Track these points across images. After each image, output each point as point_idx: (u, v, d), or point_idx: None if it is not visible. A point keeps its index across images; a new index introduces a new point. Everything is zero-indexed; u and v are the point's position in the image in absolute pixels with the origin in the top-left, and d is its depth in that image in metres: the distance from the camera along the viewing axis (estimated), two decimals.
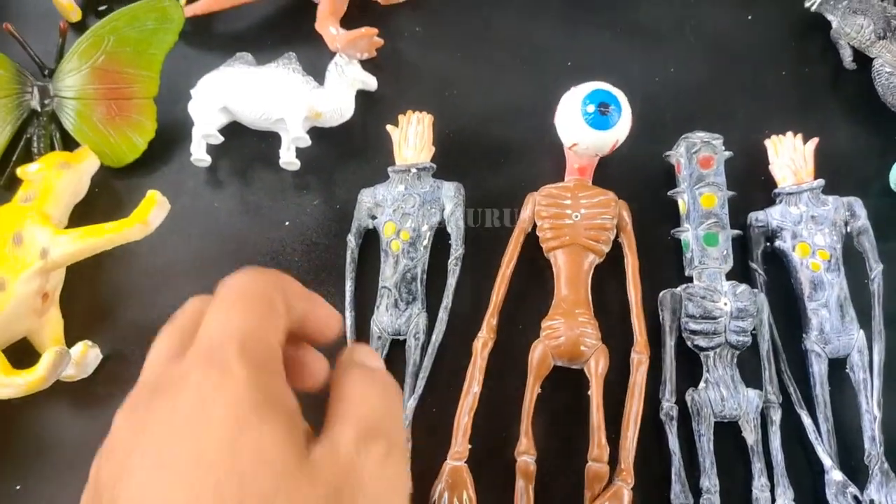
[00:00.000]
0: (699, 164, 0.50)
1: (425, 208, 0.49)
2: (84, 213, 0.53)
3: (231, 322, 0.25)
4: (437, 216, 0.50)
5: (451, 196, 0.50)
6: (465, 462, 0.45)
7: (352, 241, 0.51)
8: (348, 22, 0.57)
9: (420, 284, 0.49)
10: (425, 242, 0.49)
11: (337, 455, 0.25)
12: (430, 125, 0.52)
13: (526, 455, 0.45)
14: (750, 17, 0.60)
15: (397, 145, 0.52)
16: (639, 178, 0.54)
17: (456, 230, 0.50)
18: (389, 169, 0.51)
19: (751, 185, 0.53)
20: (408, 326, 0.48)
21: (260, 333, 0.25)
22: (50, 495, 0.47)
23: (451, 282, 0.49)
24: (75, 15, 0.59)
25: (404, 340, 0.49)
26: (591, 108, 0.48)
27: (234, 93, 0.53)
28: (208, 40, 0.60)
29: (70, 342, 0.49)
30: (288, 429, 0.23)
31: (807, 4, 0.57)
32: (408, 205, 0.49)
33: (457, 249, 0.49)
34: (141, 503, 0.21)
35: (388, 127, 0.53)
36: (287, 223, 0.54)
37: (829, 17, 0.57)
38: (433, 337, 0.48)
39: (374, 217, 0.51)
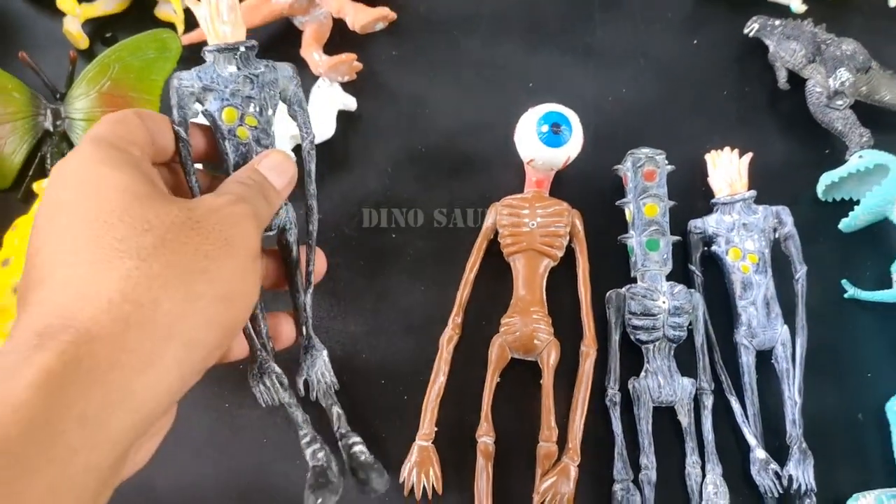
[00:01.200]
0: (643, 176, 0.56)
1: (265, 91, 0.44)
2: None
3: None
4: (276, 99, 0.45)
5: (289, 76, 0.45)
6: (432, 443, 0.51)
7: (181, 131, 0.42)
8: (330, 48, 0.63)
9: None
10: (273, 128, 0.45)
11: (214, 213, 0.33)
12: None
13: (486, 437, 0.51)
14: (695, 42, 0.65)
15: (208, 21, 0.44)
16: (592, 189, 0.59)
17: (302, 112, 0.46)
18: (209, 49, 0.43)
19: (692, 195, 0.59)
20: (279, 219, 0.44)
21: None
22: None
23: (312, 167, 0.46)
24: (84, 43, 0.64)
25: (272, 236, 0.46)
26: (545, 128, 0.53)
27: None
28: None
29: None
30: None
31: (746, 31, 0.63)
32: (246, 87, 0.43)
33: (308, 133, 0.46)
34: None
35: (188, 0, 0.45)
36: (272, 232, 0.59)
37: (767, 41, 0.62)
38: (310, 227, 0.46)
39: (199, 103, 0.43)
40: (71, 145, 0.60)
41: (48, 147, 0.60)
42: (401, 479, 0.51)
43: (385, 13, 0.61)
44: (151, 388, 0.28)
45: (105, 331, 0.27)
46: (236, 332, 0.34)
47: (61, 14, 0.63)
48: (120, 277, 0.28)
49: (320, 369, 0.46)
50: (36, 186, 0.56)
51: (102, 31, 0.66)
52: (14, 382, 0.25)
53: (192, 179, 0.42)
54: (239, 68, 0.43)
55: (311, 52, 0.62)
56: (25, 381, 0.25)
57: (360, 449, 0.43)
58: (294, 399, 0.43)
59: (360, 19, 0.60)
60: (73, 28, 0.63)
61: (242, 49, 0.43)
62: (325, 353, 0.46)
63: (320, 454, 0.41)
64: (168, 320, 0.28)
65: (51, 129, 0.60)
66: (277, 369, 0.43)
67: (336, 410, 0.45)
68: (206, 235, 0.31)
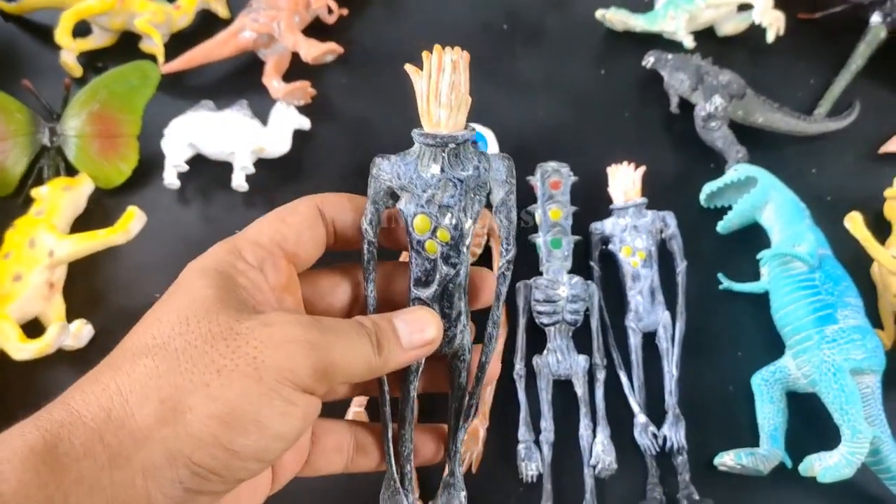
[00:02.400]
0: (550, 186, 0.65)
1: (468, 197, 0.37)
2: (82, 224, 0.67)
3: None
4: (482, 204, 0.37)
5: (502, 180, 0.37)
6: (364, 408, 0.59)
7: (369, 231, 0.37)
8: (289, 76, 0.73)
9: (464, 296, 0.38)
10: (468, 241, 0.37)
11: (255, 332, 0.29)
12: (466, 67, 0.37)
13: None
14: (603, 72, 0.76)
15: (423, 100, 0.37)
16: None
17: (507, 224, 0.38)
18: (417, 135, 0.37)
19: (596, 202, 0.68)
20: (451, 347, 0.38)
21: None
22: None
23: (502, 290, 0.38)
24: (78, 72, 0.74)
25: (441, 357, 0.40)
26: None
27: (198, 132, 0.68)
28: (180, 90, 0.75)
29: (69, 321, 0.63)
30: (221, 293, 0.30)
31: (643, 63, 0.73)
32: (446, 194, 0.36)
33: (508, 251, 0.38)
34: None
35: (410, 69, 0.38)
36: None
37: (661, 72, 0.72)
38: (482, 358, 0.39)
39: (395, 197, 0.38)
40: (65, 159, 0.70)
41: (45, 160, 0.70)
42: None
43: (333, 47, 0.71)
44: (122, 489, 0.26)
45: (89, 414, 0.27)
46: (247, 459, 0.29)
47: (59, 47, 0.73)
48: (128, 371, 0.28)
49: None
50: (34, 193, 0.66)
51: (95, 61, 0.76)
52: (4, 454, 0.25)
53: (368, 287, 0.38)
54: (443, 170, 0.36)
55: (272, 80, 0.72)
56: (13, 454, 0.25)
57: None
58: None
59: (312, 52, 0.70)
60: (69, 59, 0.74)
61: (452, 146, 0.36)
62: (463, 494, 0.40)
63: None
64: (148, 422, 0.27)
65: (48, 144, 0.70)
66: (404, 502, 0.39)
67: None
68: (233, 350, 0.29)
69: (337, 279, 0.39)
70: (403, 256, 0.51)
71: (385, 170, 0.37)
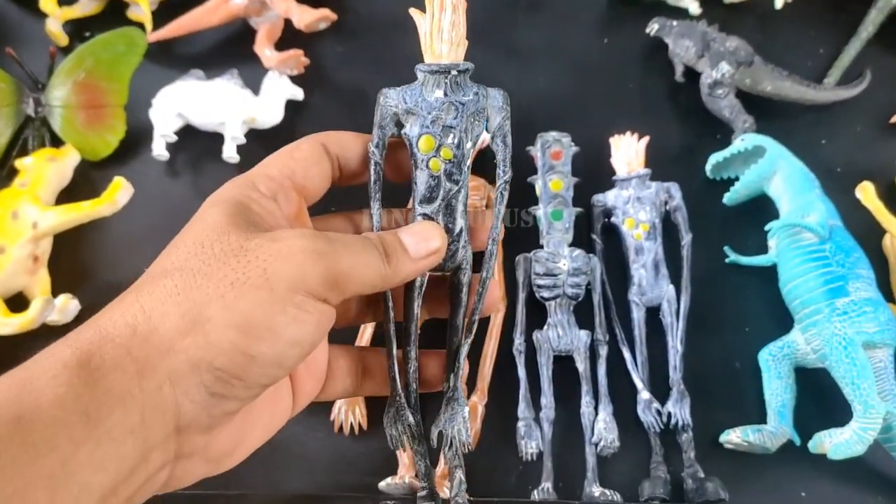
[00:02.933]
0: (551, 156, 0.64)
1: (468, 120, 0.39)
2: (68, 197, 0.65)
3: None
4: (481, 129, 0.40)
5: (498, 106, 0.40)
6: None
7: (375, 153, 0.40)
8: (282, 44, 0.71)
9: (464, 212, 0.40)
10: (469, 162, 0.40)
11: (264, 246, 0.31)
12: (464, 11, 0.41)
13: None
14: (606, 41, 0.74)
15: (427, 36, 0.41)
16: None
17: (504, 148, 0.40)
18: (420, 68, 0.41)
19: (598, 174, 0.66)
20: (453, 262, 0.40)
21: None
22: None
23: (501, 209, 0.40)
24: (64, 40, 0.72)
25: (442, 275, 0.41)
26: None
27: (187, 101, 0.66)
28: (168, 59, 0.73)
29: (55, 295, 0.61)
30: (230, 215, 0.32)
31: (647, 30, 0.71)
32: (449, 115, 0.39)
33: (505, 172, 0.40)
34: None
35: (413, 12, 0.42)
36: None
37: (666, 39, 0.70)
38: (483, 274, 0.40)
39: (400, 125, 0.40)
40: (50, 129, 0.68)
41: (30, 130, 0.68)
42: (331, 418, 0.58)
43: (326, 13, 0.69)
44: (151, 396, 0.28)
45: (116, 332, 0.28)
46: (265, 365, 0.30)
47: (44, 15, 0.71)
48: (150, 290, 0.30)
49: (458, 426, 0.40)
50: (18, 164, 0.64)
51: (81, 30, 0.74)
52: (39, 371, 0.27)
53: (374, 206, 0.40)
54: (446, 94, 0.40)
55: (264, 49, 0.70)
56: (48, 370, 0.27)
57: None
58: (423, 448, 0.41)
59: (305, 18, 0.68)
60: (55, 27, 0.72)
61: (454, 73, 0.40)
62: (466, 409, 0.40)
63: None
64: (171, 335, 0.29)
65: (33, 115, 0.68)
66: (411, 420, 0.40)
67: (459, 475, 0.41)
68: (244, 264, 0.30)
69: (345, 222, 0.42)
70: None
71: (391, 97, 0.41)
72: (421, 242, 0.37)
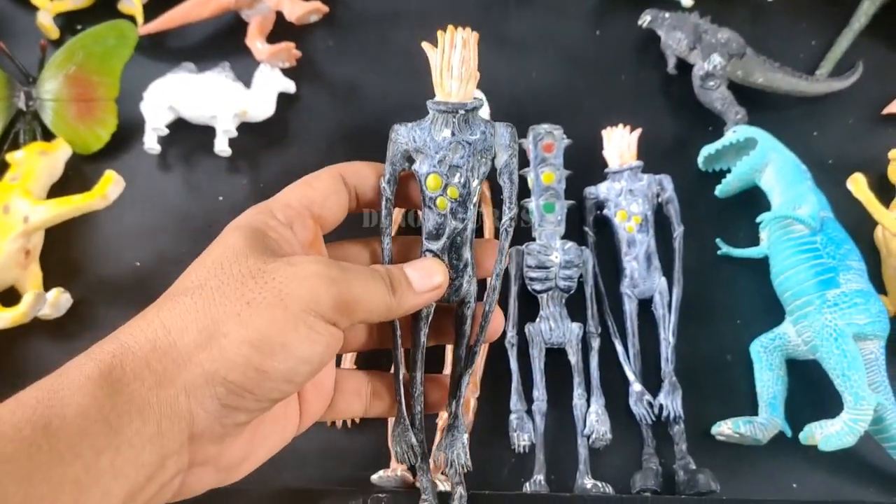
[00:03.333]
0: (543, 148, 0.63)
1: (475, 159, 0.40)
2: (60, 192, 0.64)
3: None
4: (488, 166, 0.41)
5: (505, 144, 0.41)
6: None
7: (387, 189, 0.41)
8: (273, 37, 0.71)
9: (470, 249, 0.42)
10: (475, 200, 0.41)
11: (281, 269, 0.33)
12: (475, 45, 0.42)
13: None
14: (598, 33, 0.73)
15: (437, 73, 0.41)
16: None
17: (510, 185, 0.41)
18: (431, 104, 0.41)
19: (590, 165, 0.66)
20: (458, 295, 0.42)
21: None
22: None
23: (505, 245, 0.41)
24: (55, 34, 0.72)
25: (448, 306, 0.43)
26: None
27: (179, 95, 0.66)
28: (160, 52, 0.73)
29: (46, 290, 0.61)
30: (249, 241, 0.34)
31: (640, 22, 0.71)
32: (456, 155, 0.40)
33: (511, 209, 0.41)
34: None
35: (425, 46, 0.42)
36: (221, 198, 0.67)
37: (658, 31, 0.70)
38: (486, 307, 0.42)
39: (411, 160, 0.42)
40: (41, 123, 0.68)
41: (21, 124, 0.68)
42: None
43: (317, 6, 0.69)
44: (167, 406, 0.30)
45: (136, 345, 0.30)
46: (277, 380, 0.32)
47: (35, 8, 0.71)
48: (170, 307, 0.32)
49: (457, 451, 0.42)
50: (9, 158, 0.64)
51: (72, 23, 0.74)
52: (65, 381, 0.29)
53: (385, 241, 0.42)
54: (454, 133, 0.40)
55: (255, 41, 0.70)
56: (72, 382, 0.29)
57: None
58: (426, 465, 0.43)
59: (296, 11, 0.68)
60: (46, 21, 0.71)
61: (462, 112, 0.41)
62: (465, 436, 0.43)
63: None
64: (189, 349, 0.30)
65: (24, 108, 0.68)
66: (414, 441, 0.42)
67: (460, 491, 0.43)
68: (261, 285, 0.32)
69: (360, 249, 0.44)
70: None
71: (402, 134, 0.41)
72: (425, 278, 0.39)
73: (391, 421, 0.44)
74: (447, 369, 0.57)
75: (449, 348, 0.59)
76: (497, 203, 0.45)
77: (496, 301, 0.42)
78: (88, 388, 0.29)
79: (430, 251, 0.41)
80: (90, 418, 0.28)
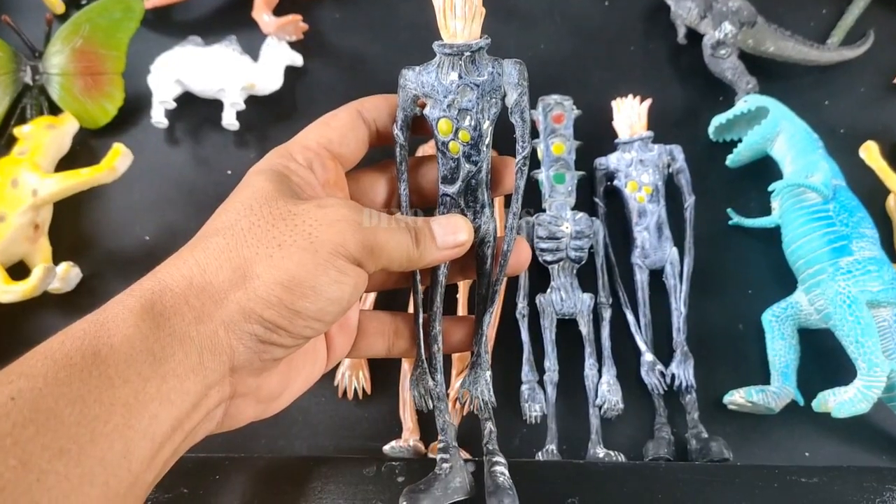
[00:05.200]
0: (552, 119, 0.63)
1: (485, 100, 0.40)
2: (67, 165, 0.65)
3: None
4: (498, 106, 0.40)
5: (514, 82, 0.39)
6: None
7: (399, 135, 0.41)
8: (280, 10, 0.70)
9: (486, 189, 0.41)
10: (487, 141, 0.40)
11: (311, 213, 0.34)
12: None
13: None
14: (607, 3, 0.73)
15: (441, 13, 0.40)
16: (510, 131, 0.66)
17: (522, 124, 0.40)
18: (436, 46, 0.40)
19: (600, 136, 0.65)
20: (477, 236, 0.41)
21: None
22: None
23: (520, 184, 0.40)
24: (60, 8, 0.71)
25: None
26: None
27: (185, 68, 0.66)
28: (166, 26, 0.73)
29: (56, 264, 0.61)
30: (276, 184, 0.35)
31: None
32: (464, 97, 0.39)
33: (524, 147, 0.40)
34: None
35: None
36: (229, 172, 0.67)
37: (668, 1, 0.69)
38: (504, 246, 0.41)
39: (420, 105, 0.41)
40: (48, 97, 0.67)
41: (28, 99, 0.67)
42: (335, 383, 0.58)
43: None
44: (208, 339, 0.31)
45: (174, 283, 0.31)
46: (308, 318, 0.33)
47: None
48: (204, 247, 0.33)
49: (481, 387, 0.42)
50: (17, 132, 0.63)
51: None
52: (110, 315, 0.30)
53: (402, 186, 0.42)
54: (461, 76, 0.40)
55: (262, 15, 0.69)
56: (116, 315, 0.30)
57: (500, 470, 0.41)
58: (444, 405, 0.42)
59: None
60: None
61: (468, 54, 0.39)
62: (488, 373, 0.42)
63: (445, 465, 0.41)
64: (224, 287, 0.32)
65: (30, 83, 0.67)
66: (431, 384, 0.42)
67: (490, 427, 0.43)
68: (291, 228, 0.33)
69: (376, 176, 0.43)
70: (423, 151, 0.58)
71: (410, 79, 0.41)
72: (448, 234, 0.39)
73: (402, 387, 0.44)
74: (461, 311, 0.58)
75: (462, 293, 0.60)
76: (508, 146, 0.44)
77: (513, 240, 0.41)
78: (132, 321, 0.30)
79: (447, 195, 0.41)
80: (136, 348, 0.29)
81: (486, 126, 0.40)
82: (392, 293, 0.46)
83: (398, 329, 0.44)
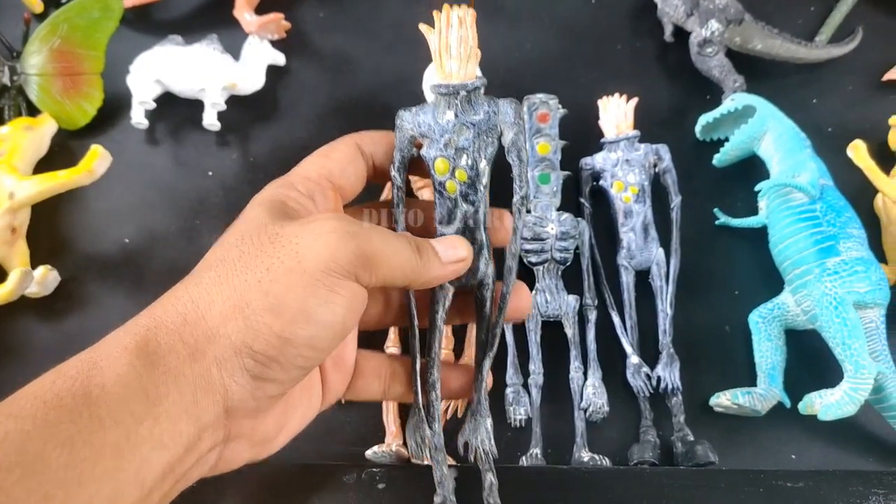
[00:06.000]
0: (537, 119, 0.62)
1: (481, 139, 0.40)
2: (46, 167, 0.63)
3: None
4: (495, 146, 0.40)
5: (510, 122, 0.40)
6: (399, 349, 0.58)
7: (397, 177, 0.41)
8: (262, 9, 0.69)
9: (484, 230, 0.41)
10: (484, 181, 0.40)
11: (297, 230, 0.33)
12: (473, 23, 0.41)
13: (393, 347, 0.58)
14: (593, 1, 0.72)
15: (437, 54, 0.41)
16: (506, 171, 0.65)
17: (519, 163, 0.40)
18: (431, 87, 0.40)
19: (586, 135, 0.65)
20: (475, 278, 0.41)
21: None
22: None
23: (519, 225, 0.41)
24: (39, 7, 0.70)
25: (468, 291, 0.42)
26: None
27: (166, 68, 0.65)
28: (145, 25, 0.71)
29: (34, 267, 0.60)
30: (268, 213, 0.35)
31: None
32: (461, 137, 0.40)
33: (521, 187, 0.40)
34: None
35: (423, 28, 0.41)
36: (210, 173, 0.66)
37: None
38: (504, 289, 0.41)
39: (417, 146, 0.41)
40: (26, 98, 0.66)
41: (5, 100, 0.66)
42: None
43: None
44: (201, 378, 0.30)
45: (168, 320, 0.31)
46: (299, 346, 0.32)
47: None
48: (196, 282, 0.32)
49: (482, 436, 0.42)
50: None
51: None
52: (104, 353, 0.30)
53: (399, 228, 0.41)
54: (457, 115, 0.40)
55: (243, 13, 0.68)
56: (110, 353, 0.30)
57: None
58: (441, 457, 0.42)
59: None
60: None
61: (464, 94, 0.40)
62: (489, 421, 0.42)
63: None
64: (216, 321, 0.31)
65: (8, 84, 0.66)
66: (428, 433, 0.41)
67: (490, 478, 0.42)
68: (278, 248, 0.32)
69: (373, 213, 0.44)
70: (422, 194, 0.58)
71: (407, 120, 0.41)
72: (449, 249, 0.38)
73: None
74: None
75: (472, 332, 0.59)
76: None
77: (513, 282, 0.41)
78: (126, 359, 0.29)
79: (444, 235, 0.40)
80: (129, 387, 0.29)
81: (483, 166, 0.40)
82: (371, 333, 0.45)
83: (395, 372, 0.43)
